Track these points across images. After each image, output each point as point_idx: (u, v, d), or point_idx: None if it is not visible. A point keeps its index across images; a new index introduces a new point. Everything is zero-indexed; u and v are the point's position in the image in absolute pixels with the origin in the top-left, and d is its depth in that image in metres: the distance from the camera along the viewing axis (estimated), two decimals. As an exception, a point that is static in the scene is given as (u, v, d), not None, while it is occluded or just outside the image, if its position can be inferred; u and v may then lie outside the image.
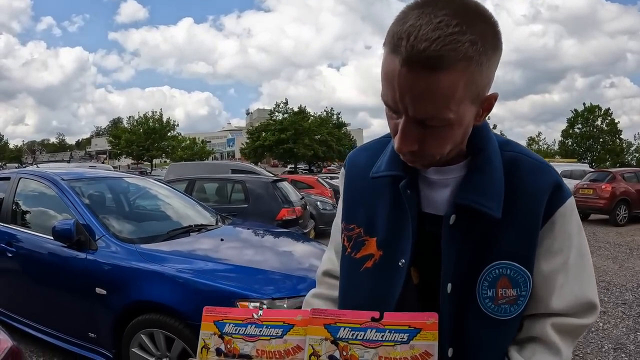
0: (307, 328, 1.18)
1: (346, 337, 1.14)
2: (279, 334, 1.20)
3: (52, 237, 4.53)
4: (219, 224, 5.99)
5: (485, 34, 0.98)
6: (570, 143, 64.74)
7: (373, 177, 1.33)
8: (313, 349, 1.16)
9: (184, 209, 6.32)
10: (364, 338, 1.13)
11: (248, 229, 6.21)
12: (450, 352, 1.21)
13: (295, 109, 62.54)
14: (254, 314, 1.24)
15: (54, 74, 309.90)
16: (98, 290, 4.16)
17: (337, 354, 1.14)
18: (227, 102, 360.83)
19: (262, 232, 6.12)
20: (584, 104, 63.62)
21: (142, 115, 67.83)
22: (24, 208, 5.70)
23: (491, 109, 1.12)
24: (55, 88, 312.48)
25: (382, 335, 1.12)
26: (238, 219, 6.93)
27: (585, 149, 62.93)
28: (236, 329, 1.23)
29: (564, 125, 66.21)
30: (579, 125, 63.67)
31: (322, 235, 13.60)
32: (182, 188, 9.76)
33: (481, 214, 1.17)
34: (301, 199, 11.89)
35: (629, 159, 64.82)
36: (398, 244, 1.27)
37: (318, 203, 14.53)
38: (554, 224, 1.21)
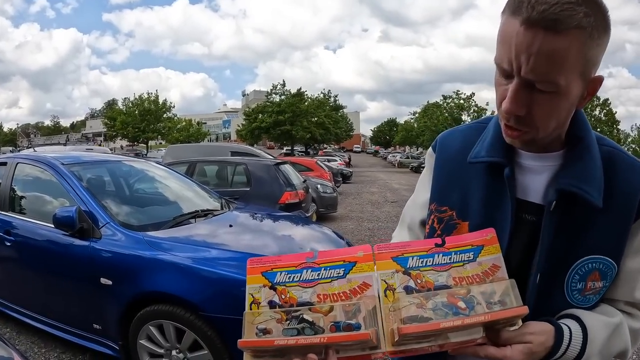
0: (376, 263, 1.16)
1: (416, 265, 1.15)
2: (341, 274, 1.15)
3: (52, 225, 4.35)
4: (225, 208, 5.82)
5: (597, 12, 1.02)
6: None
7: (471, 162, 1.34)
8: (386, 283, 1.14)
9: (186, 193, 6.15)
10: (434, 263, 1.15)
11: (255, 213, 6.06)
12: None
13: (292, 91, 62.22)
14: (307, 258, 1.18)
15: (48, 56, 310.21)
16: (103, 280, 3.99)
17: (411, 284, 1.13)
18: (223, 84, 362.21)
19: (269, 217, 5.99)
20: None
21: (137, 97, 67.39)
22: (22, 194, 5.49)
23: (595, 93, 1.15)
24: (49, 70, 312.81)
25: (450, 258, 1.16)
26: (241, 203, 6.77)
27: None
28: (290, 277, 1.16)
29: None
30: None
31: (322, 218, 13.54)
32: (182, 171, 9.56)
33: (581, 202, 1.19)
34: (303, 182, 11.77)
35: (626, 150, 65.36)
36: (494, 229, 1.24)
37: (318, 186, 14.41)
38: None
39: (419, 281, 1.13)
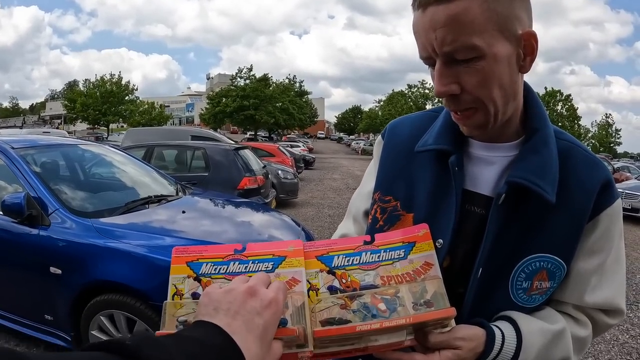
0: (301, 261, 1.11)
1: (342, 264, 1.11)
2: (270, 268, 1.09)
3: (1, 212, 4.22)
4: (180, 194, 5.75)
5: None
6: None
7: (418, 151, 1.30)
8: (310, 283, 1.08)
9: (142, 178, 6.03)
10: (361, 262, 1.11)
11: (210, 199, 6.01)
12: None
13: (257, 76, 61.83)
14: (235, 250, 1.12)
15: (7, 34, 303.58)
16: (52, 269, 3.89)
17: (336, 283, 1.09)
18: (187, 66, 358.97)
19: (223, 202, 5.95)
20: (545, 88, 64.48)
21: (99, 78, 66.18)
22: (-31, 179, 5.31)
23: (534, 52, 1.07)
24: (7, 49, 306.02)
25: (379, 256, 1.11)
26: (198, 189, 6.72)
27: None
28: (216, 268, 1.10)
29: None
30: None
31: (282, 204, 13.50)
32: (140, 155, 9.42)
33: (533, 196, 1.13)
34: (263, 167, 11.67)
35: (586, 144, 67.00)
36: (437, 222, 1.22)
37: (279, 172, 14.35)
38: (598, 223, 1.18)
39: (344, 281, 1.09)
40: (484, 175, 1.22)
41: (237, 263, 1.10)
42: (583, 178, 1.18)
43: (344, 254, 1.11)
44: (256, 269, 1.08)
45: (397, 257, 1.11)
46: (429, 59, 1.09)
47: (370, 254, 1.11)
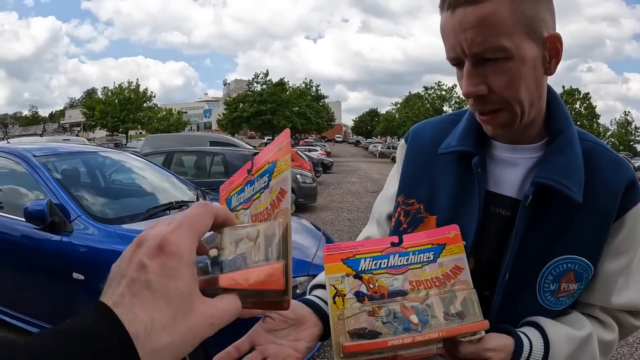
0: (325, 267, 1.06)
1: (369, 268, 1.05)
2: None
3: (24, 219, 4.25)
4: (200, 199, 5.73)
5: None
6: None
7: (442, 153, 1.30)
8: (335, 288, 1.04)
9: (163, 185, 6.06)
10: (389, 265, 1.05)
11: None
12: None
13: (274, 81, 62.03)
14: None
15: (26, 44, 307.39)
16: (75, 275, 3.92)
17: (363, 289, 1.04)
18: (203, 73, 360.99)
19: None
20: (563, 86, 63.88)
21: (117, 86, 66.78)
22: (-8, 187, 5.37)
23: (559, 54, 1.09)
24: (26, 59, 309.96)
25: (407, 259, 1.06)
26: (218, 194, 6.71)
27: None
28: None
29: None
30: None
31: (301, 209, 13.52)
32: (159, 161, 9.46)
33: (560, 197, 1.13)
34: (282, 172, 11.61)
35: (605, 143, 66.04)
36: (460, 224, 1.17)
37: (298, 176, 14.36)
38: (624, 223, 1.17)
39: (372, 286, 1.04)
40: (508, 177, 1.22)
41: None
42: (608, 178, 1.16)
43: (371, 257, 1.06)
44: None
45: (427, 260, 1.06)
46: (456, 60, 1.10)
47: (399, 256, 1.06)
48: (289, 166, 0.80)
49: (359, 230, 10.15)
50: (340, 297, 1.03)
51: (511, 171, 1.22)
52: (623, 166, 1.19)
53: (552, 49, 1.08)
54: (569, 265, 1.15)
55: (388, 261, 1.06)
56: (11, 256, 4.60)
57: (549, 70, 1.11)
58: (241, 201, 0.88)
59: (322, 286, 1.29)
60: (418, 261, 1.06)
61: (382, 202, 1.52)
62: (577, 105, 62.31)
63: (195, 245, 0.57)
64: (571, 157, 1.15)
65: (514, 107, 1.08)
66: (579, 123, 60.58)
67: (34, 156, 4.91)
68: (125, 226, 4.21)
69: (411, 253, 1.07)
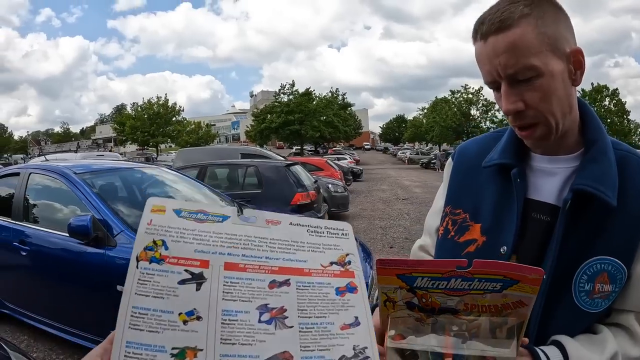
0: (378, 278, 1.03)
1: (425, 286, 1.01)
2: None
3: (67, 234, 4.38)
4: (238, 213, 5.77)
5: (539, 2, 1.17)
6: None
7: (485, 166, 1.41)
8: (387, 295, 1.04)
9: (200, 198, 6.17)
10: (447, 287, 1.00)
11: (268, 216, 6.01)
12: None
13: (300, 91, 62.08)
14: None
15: (55, 64, 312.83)
16: (119, 287, 3.98)
17: (415, 301, 1.03)
18: (229, 85, 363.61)
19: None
20: (592, 83, 62.64)
21: (146, 101, 67.44)
22: (36, 204, 5.56)
23: (582, 66, 1.21)
24: (56, 78, 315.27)
25: (469, 284, 0.99)
26: (252, 206, 6.77)
27: (593, 129, 60.88)
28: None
29: (569, 105, 65.74)
30: None
31: (334, 218, 13.49)
32: (193, 175, 9.57)
33: (596, 202, 1.20)
34: (314, 182, 11.75)
35: (636, 140, 63.95)
36: (501, 231, 1.31)
37: (329, 186, 14.44)
38: None
39: (424, 300, 1.02)
40: (547, 185, 1.31)
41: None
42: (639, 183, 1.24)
43: (429, 277, 1.00)
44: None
45: (491, 288, 0.99)
46: (494, 83, 1.22)
47: (461, 280, 0.99)
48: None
49: (392, 238, 10.16)
50: (391, 303, 1.05)
51: (550, 180, 1.31)
52: None
53: (575, 62, 1.20)
54: (603, 265, 1.21)
55: (448, 283, 1.00)
56: (55, 270, 4.76)
57: (576, 81, 1.22)
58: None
59: None
60: (481, 288, 1.00)
61: (431, 216, 1.62)
62: (606, 102, 60.94)
63: None
64: (606, 165, 1.23)
65: (549, 120, 1.19)
66: (609, 120, 59.20)
67: (75, 173, 5.06)
68: (167, 239, 4.25)
69: (476, 280, 0.99)
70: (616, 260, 1.20)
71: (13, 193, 5.67)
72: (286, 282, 0.88)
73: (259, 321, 0.82)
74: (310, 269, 0.93)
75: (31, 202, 5.52)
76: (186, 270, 0.83)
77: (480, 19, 1.21)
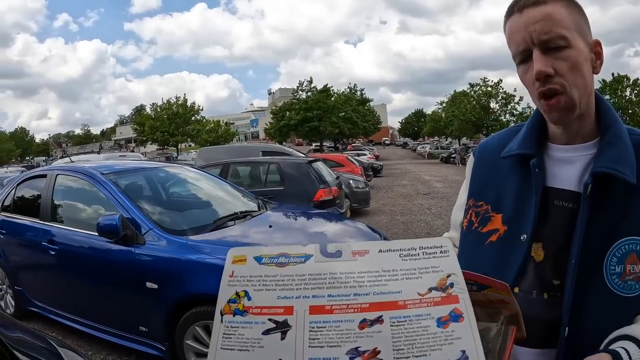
0: None
1: None
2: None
3: (96, 233, 4.45)
4: (262, 209, 5.87)
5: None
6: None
7: (504, 156, 1.45)
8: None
9: (224, 196, 6.22)
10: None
11: (293, 213, 6.12)
12: (565, 331, 1.21)
13: (318, 87, 61.96)
14: None
15: (74, 67, 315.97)
16: (149, 284, 4.08)
17: None
18: (247, 84, 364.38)
19: (307, 215, 6.05)
20: (612, 74, 61.61)
21: (165, 101, 67.80)
22: (63, 205, 5.64)
23: (601, 57, 1.32)
24: (75, 81, 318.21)
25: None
26: (275, 202, 6.81)
27: (614, 120, 59.62)
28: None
29: (589, 96, 64.54)
30: (607, 96, 61.06)
31: (355, 214, 13.59)
32: (216, 173, 9.62)
33: (616, 184, 1.23)
34: (336, 178, 11.75)
35: None
36: (522, 219, 1.34)
37: (351, 182, 14.44)
38: None
39: None
40: (567, 173, 1.33)
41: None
42: None
43: None
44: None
45: (469, 288, 0.93)
46: (525, 52, 1.27)
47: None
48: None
49: (414, 233, 10.16)
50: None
51: (569, 168, 1.34)
52: None
53: (596, 53, 1.30)
54: (631, 246, 1.21)
55: None
56: (83, 268, 4.86)
57: (596, 69, 1.31)
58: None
59: None
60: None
61: (455, 211, 1.67)
62: (627, 93, 59.93)
63: None
64: (622, 148, 1.27)
65: (573, 91, 1.24)
66: (630, 111, 58.35)
67: (102, 174, 5.12)
68: (195, 237, 4.35)
69: None
70: None
71: (40, 194, 5.75)
72: (379, 320, 0.80)
73: None
74: (405, 300, 0.83)
75: (58, 202, 5.60)
76: (270, 320, 0.80)
77: (514, 1, 1.30)
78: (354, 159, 23.22)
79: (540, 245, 1.31)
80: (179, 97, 67.87)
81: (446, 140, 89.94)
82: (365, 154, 39.78)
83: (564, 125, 1.34)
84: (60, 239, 5.08)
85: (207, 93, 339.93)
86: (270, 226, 5.04)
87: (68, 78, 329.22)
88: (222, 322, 0.80)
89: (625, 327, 1.15)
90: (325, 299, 0.81)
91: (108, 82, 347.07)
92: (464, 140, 75.43)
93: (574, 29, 1.24)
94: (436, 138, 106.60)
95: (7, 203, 6.29)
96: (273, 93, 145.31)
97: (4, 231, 5.98)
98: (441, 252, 0.90)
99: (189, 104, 67.81)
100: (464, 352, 0.78)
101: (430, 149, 66.75)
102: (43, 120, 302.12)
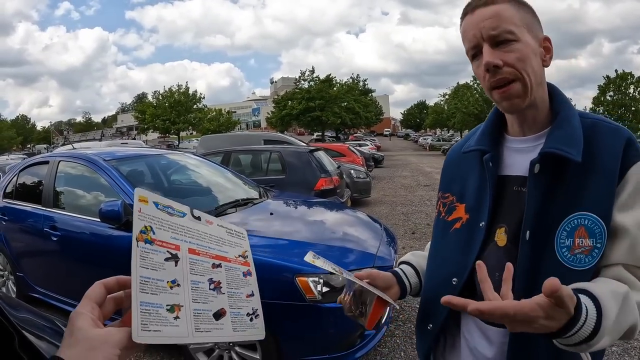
0: None
1: None
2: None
3: (98, 219, 4.47)
4: (263, 197, 5.89)
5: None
6: (601, 111, 60.03)
7: (464, 152, 1.63)
8: None
9: (226, 183, 6.24)
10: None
11: (294, 201, 6.14)
12: None
13: (320, 77, 61.82)
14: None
15: (75, 55, 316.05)
16: (150, 270, 4.06)
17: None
18: (248, 73, 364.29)
19: (308, 204, 6.07)
20: (616, 70, 61.14)
21: (167, 89, 67.73)
22: (65, 191, 5.65)
23: (551, 51, 1.42)
24: (76, 69, 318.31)
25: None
26: (276, 191, 6.83)
27: (617, 117, 58.63)
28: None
29: (592, 92, 64.25)
30: (611, 93, 60.52)
31: (356, 204, 13.64)
32: (217, 161, 9.63)
33: (565, 162, 1.32)
34: (337, 168, 11.76)
35: None
36: (480, 208, 1.49)
37: (352, 171, 14.46)
38: (629, 179, 1.30)
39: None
40: (522, 161, 1.44)
41: None
42: (608, 142, 1.34)
43: None
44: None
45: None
46: (476, 48, 1.39)
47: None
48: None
49: (414, 224, 10.21)
50: None
51: (523, 156, 1.44)
52: (620, 130, 1.38)
53: (545, 47, 1.41)
54: (579, 220, 1.29)
55: None
56: (86, 254, 4.87)
57: (546, 62, 1.41)
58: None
59: (407, 262, 1.77)
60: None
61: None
62: (631, 90, 59.54)
63: (89, 309, 0.95)
64: (569, 130, 1.37)
65: (524, 77, 1.34)
66: (633, 108, 58.20)
67: (104, 160, 5.12)
68: (196, 224, 4.31)
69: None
70: (592, 214, 1.28)
71: (42, 181, 5.78)
72: (219, 266, 1.16)
73: (209, 289, 1.09)
74: (230, 258, 1.20)
75: (61, 189, 5.62)
76: (168, 251, 1.04)
77: (467, 3, 1.42)
78: (356, 149, 23.21)
79: (503, 230, 1.42)
80: (181, 85, 67.74)
81: (448, 133, 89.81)
82: (366, 145, 39.74)
83: (518, 115, 1.46)
84: (62, 225, 5.09)
85: (209, 82, 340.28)
86: (271, 214, 5.06)
87: (69, 66, 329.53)
88: (137, 246, 0.99)
89: (578, 283, 1.21)
90: (195, 245, 1.12)
91: (109, 70, 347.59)
92: (466, 132, 75.21)
93: (522, 25, 1.35)
94: (438, 130, 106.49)
95: (9, 190, 6.31)
96: (275, 82, 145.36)
97: (6, 217, 5.99)
98: (242, 237, 1.28)
99: (190, 92, 67.73)
100: (252, 291, 1.19)
101: (432, 140, 66.70)
102: (44, 108, 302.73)
